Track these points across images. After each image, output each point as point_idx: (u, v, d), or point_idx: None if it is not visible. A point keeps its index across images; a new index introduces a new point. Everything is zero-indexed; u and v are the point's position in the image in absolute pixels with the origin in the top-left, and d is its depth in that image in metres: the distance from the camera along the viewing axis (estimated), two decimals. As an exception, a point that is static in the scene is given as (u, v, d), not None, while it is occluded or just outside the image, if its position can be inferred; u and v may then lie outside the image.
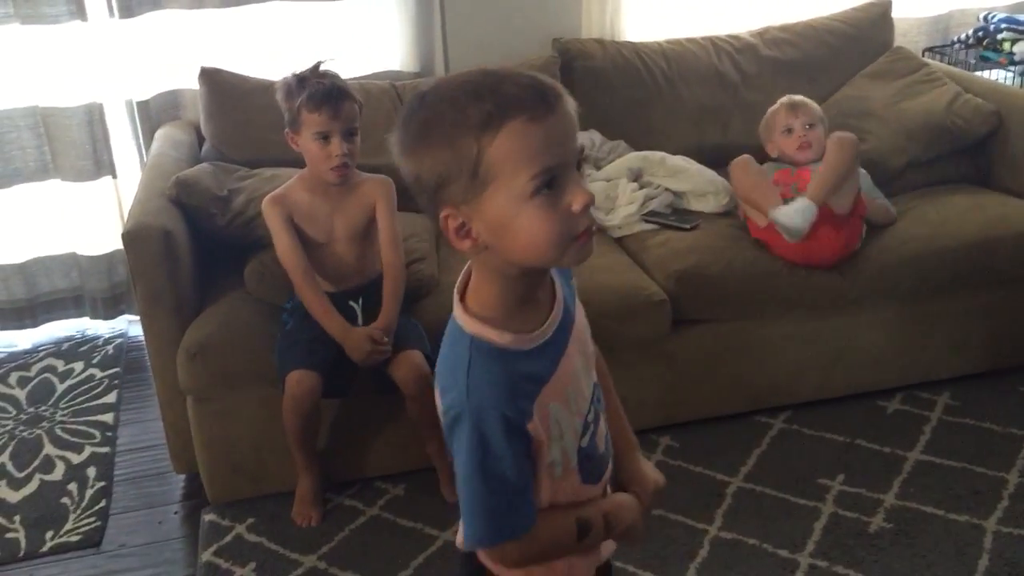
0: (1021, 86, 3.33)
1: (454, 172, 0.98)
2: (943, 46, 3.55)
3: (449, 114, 0.98)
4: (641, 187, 2.74)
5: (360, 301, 2.25)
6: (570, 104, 1.01)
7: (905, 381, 2.70)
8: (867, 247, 2.54)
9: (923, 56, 3.38)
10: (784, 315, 2.52)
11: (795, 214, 2.39)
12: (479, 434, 1.02)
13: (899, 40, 3.30)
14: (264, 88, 2.58)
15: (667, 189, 2.73)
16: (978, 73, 3.34)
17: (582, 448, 1.13)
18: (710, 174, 2.76)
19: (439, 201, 1.02)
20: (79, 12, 2.82)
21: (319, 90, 2.12)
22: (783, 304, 2.50)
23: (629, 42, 3.12)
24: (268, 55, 2.96)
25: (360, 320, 2.24)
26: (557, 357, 1.09)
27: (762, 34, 3.17)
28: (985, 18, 3.47)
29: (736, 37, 3.16)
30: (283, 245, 2.20)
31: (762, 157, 2.70)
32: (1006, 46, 3.38)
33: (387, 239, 2.25)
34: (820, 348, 2.58)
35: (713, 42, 3.12)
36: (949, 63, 3.41)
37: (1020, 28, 3.38)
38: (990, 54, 3.42)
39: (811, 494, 2.31)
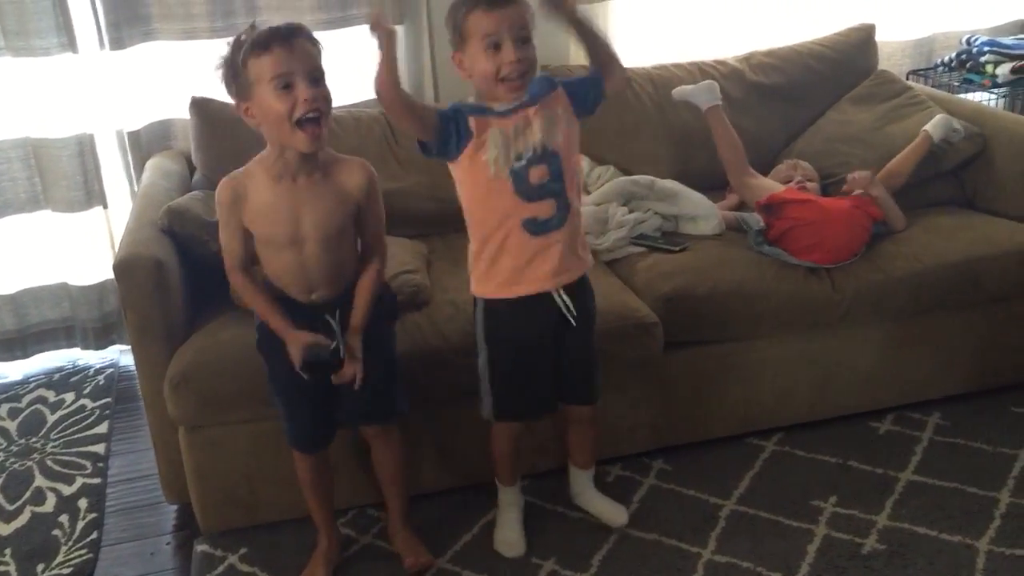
0: (1004, 108, 3.37)
1: (454, 35, 1.89)
2: (927, 69, 3.59)
3: (455, 5, 1.89)
4: (631, 211, 2.76)
5: (337, 315, 1.95)
6: (518, 3, 1.85)
7: (896, 401, 2.71)
8: (855, 265, 2.56)
9: (907, 79, 3.41)
10: (774, 335, 2.53)
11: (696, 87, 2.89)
12: (446, 110, 1.91)
13: (883, 63, 3.33)
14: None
15: (656, 213, 2.75)
16: (962, 95, 3.38)
17: (514, 168, 1.90)
18: (699, 197, 2.78)
19: (455, 48, 1.90)
20: (70, 44, 2.83)
21: (262, 32, 1.77)
22: (772, 323, 2.51)
23: (616, 68, 3.15)
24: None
25: (339, 337, 1.93)
26: (506, 114, 1.91)
27: (747, 59, 3.20)
28: (968, 41, 3.52)
29: (722, 62, 3.19)
30: (226, 233, 1.92)
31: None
32: (989, 69, 3.43)
33: (370, 239, 1.99)
34: (811, 369, 2.59)
35: (700, 67, 3.15)
36: (933, 86, 3.45)
37: (1003, 51, 3.43)
38: (973, 76, 3.47)
39: (804, 516, 2.31)
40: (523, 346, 2.05)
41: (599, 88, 2.01)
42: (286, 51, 1.74)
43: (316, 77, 1.79)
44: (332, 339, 1.92)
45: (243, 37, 1.80)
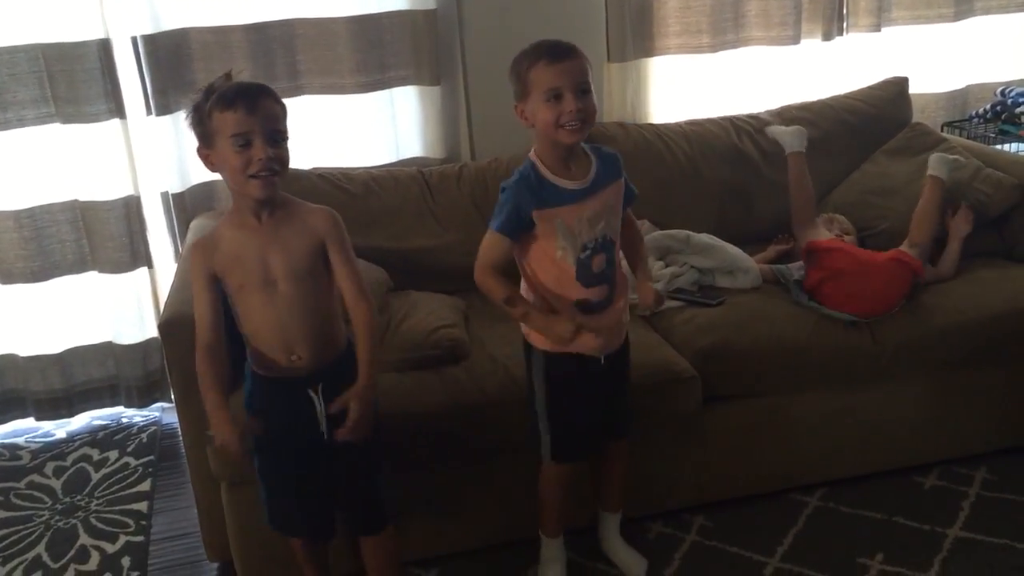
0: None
1: (517, 86, 1.95)
2: (961, 120, 3.59)
3: (519, 59, 1.95)
4: (667, 265, 2.77)
5: (320, 388, 1.88)
6: (579, 56, 1.92)
7: (941, 456, 2.67)
8: (895, 317, 2.54)
9: (942, 131, 3.41)
10: (815, 389, 2.52)
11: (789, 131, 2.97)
12: (506, 195, 1.97)
13: (917, 116, 3.34)
14: (297, 178, 2.65)
15: (693, 267, 2.76)
16: (997, 147, 3.37)
17: (580, 258, 1.98)
18: (736, 251, 2.78)
19: (517, 100, 1.96)
20: (118, 111, 2.92)
21: (231, 87, 1.79)
22: (813, 377, 2.49)
23: (650, 124, 3.19)
24: (297, 147, 3.03)
25: (322, 415, 1.88)
26: (572, 202, 1.96)
27: (781, 114, 3.22)
28: (1003, 92, 3.51)
29: (755, 117, 3.21)
30: (200, 305, 1.86)
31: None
32: (1025, 119, 3.41)
33: (349, 284, 1.88)
34: (854, 424, 2.57)
35: (733, 122, 3.17)
36: (968, 137, 3.44)
37: (1038, 102, 3.42)
38: (1009, 127, 3.45)
39: (850, 574, 2.27)
40: (580, 386, 2.09)
41: (631, 198, 2.12)
42: (247, 110, 1.75)
43: (276, 139, 1.79)
44: (312, 418, 1.88)
45: (215, 85, 1.81)
